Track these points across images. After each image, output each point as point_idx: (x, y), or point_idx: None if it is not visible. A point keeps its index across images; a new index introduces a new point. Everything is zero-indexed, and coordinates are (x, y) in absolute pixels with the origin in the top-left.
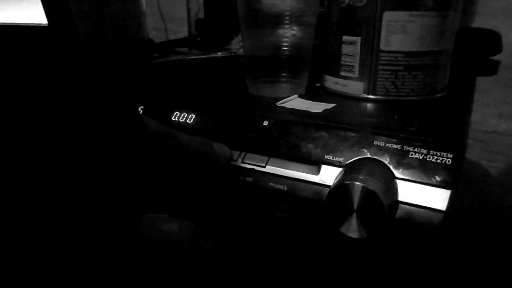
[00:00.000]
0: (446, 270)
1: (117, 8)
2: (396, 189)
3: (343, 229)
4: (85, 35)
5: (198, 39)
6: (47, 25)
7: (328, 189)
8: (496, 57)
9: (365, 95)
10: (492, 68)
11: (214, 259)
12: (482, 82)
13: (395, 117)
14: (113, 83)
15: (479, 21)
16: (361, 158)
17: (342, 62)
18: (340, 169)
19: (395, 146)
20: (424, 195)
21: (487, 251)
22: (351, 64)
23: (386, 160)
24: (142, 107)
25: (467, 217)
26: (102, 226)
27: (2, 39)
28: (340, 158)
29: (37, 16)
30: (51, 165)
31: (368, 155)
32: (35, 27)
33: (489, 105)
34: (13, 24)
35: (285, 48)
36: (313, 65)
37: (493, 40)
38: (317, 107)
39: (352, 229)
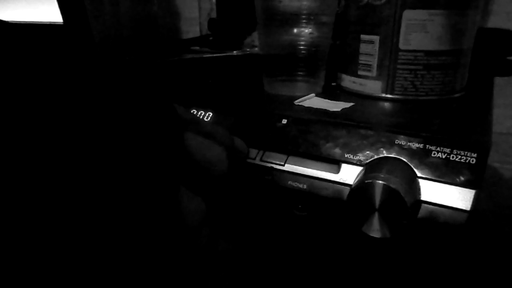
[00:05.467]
0: (470, 270)
1: (131, 8)
2: (419, 188)
3: (364, 229)
4: (100, 33)
5: (211, 38)
6: (62, 23)
7: (348, 188)
8: None
9: (383, 95)
10: (509, 69)
11: (232, 257)
12: (495, 84)
13: (415, 116)
14: (138, 77)
15: (495, 21)
16: (382, 157)
17: (360, 61)
18: (360, 168)
19: (417, 145)
20: (447, 195)
21: (501, 253)
22: (369, 63)
23: (407, 159)
24: None
25: (479, 220)
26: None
27: (17, 37)
28: (360, 157)
29: (52, 14)
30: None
31: (389, 154)
32: (51, 25)
33: (502, 106)
34: (29, 22)
35: (302, 47)
36: (328, 65)
37: (510, 40)
38: (335, 106)
39: (374, 228)
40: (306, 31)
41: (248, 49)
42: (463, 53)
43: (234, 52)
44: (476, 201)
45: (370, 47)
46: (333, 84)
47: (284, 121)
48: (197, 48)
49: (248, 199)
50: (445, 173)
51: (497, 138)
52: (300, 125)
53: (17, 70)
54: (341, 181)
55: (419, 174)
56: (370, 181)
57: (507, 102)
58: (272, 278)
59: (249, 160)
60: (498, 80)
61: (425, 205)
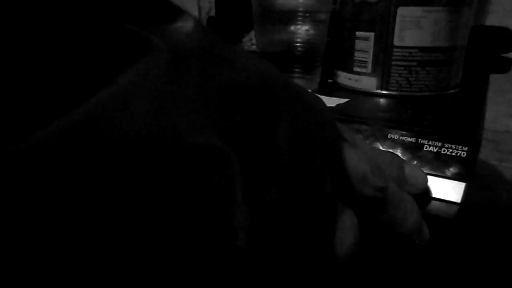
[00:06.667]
0: (461, 263)
1: None
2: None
3: None
4: None
5: None
6: None
7: None
8: (510, 55)
9: (378, 91)
10: (505, 66)
11: None
12: (494, 82)
13: (409, 111)
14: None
15: (492, 19)
16: None
17: (355, 58)
18: None
19: (409, 139)
20: (439, 188)
21: (497, 251)
22: (364, 59)
23: (400, 153)
24: None
25: (477, 217)
26: None
27: None
28: None
29: None
30: None
31: (383, 148)
32: None
33: (500, 104)
34: None
35: (298, 45)
36: (324, 62)
37: (505, 37)
38: (331, 101)
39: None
40: (302, 28)
41: (246, 47)
42: (458, 50)
43: None
44: (466, 193)
45: (365, 43)
46: (329, 81)
47: None
48: None
49: None
50: (437, 167)
51: (495, 136)
52: None
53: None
54: None
55: None
56: None
57: (505, 100)
58: None
59: None
60: (497, 78)
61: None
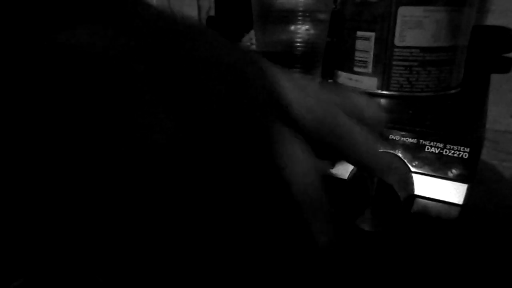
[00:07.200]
0: (463, 265)
1: None
2: (412, 183)
3: (358, 222)
4: None
5: None
6: None
7: (343, 182)
8: (510, 55)
9: (379, 91)
10: (505, 66)
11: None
12: (494, 81)
13: (410, 112)
14: None
15: (492, 19)
16: None
17: (356, 58)
18: None
19: (410, 140)
20: (440, 189)
21: (497, 251)
22: (365, 59)
23: (401, 154)
24: None
25: (477, 217)
26: None
27: None
28: None
29: None
30: None
31: (384, 149)
32: None
33: (500, 104)
34: None
35: (299, 44)
36: (324, 62)
37: (506, 37)
38: None
39: (367, 222)
40: (302, 28)
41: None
42: (459, 50)
43: None
44: (468, 195)
45: (366, 43)
46: (329, 81)
47: None
48: None
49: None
50: (438, 168)
51: (496, 136)
52: None
53: None
54: (336, 175)
55: (412, 169)
56: (364, 175)
57: (506, 100)
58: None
59: None
60: (497, 78)
61: (419, 199)
